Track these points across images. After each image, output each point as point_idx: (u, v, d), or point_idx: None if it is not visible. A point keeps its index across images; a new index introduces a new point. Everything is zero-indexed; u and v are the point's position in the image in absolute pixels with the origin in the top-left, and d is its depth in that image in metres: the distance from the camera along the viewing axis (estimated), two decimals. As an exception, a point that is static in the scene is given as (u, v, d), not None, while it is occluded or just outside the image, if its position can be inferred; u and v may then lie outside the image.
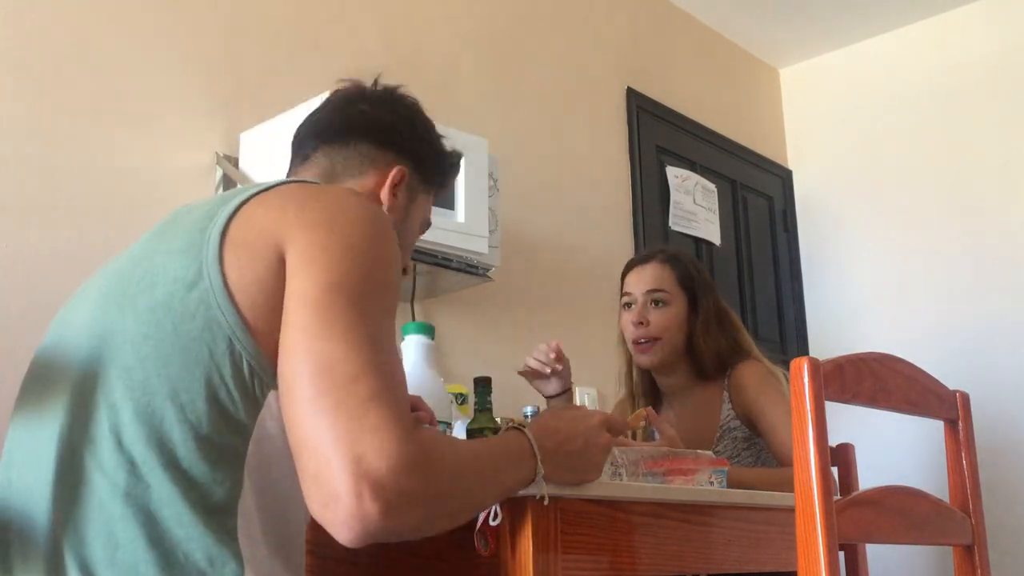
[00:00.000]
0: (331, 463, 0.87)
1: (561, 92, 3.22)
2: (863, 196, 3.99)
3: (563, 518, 1.19)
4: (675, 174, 3.59)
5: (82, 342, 1.05)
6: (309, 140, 1.30)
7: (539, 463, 1.07)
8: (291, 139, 1.34)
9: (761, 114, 4.23)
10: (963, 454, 1.53)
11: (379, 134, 1.28)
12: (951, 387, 1.54)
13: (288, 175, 1.31)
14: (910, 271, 3.80)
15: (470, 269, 2.33)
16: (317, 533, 1.42)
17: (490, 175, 2.36)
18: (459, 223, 2.22)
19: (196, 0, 2.24)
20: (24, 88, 1.92)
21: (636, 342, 2.11)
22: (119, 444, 0.96)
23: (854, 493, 1.34)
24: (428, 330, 1.71)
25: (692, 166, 3.71)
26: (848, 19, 3.96)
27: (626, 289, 2.18)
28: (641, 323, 2.10)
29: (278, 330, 0.98)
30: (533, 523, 1.14)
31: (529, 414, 2.02)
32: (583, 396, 3.00)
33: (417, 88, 1.39)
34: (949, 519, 1.48)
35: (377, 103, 1.31)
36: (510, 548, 1.15)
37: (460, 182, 2.24)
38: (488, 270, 2.38)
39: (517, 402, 2.18)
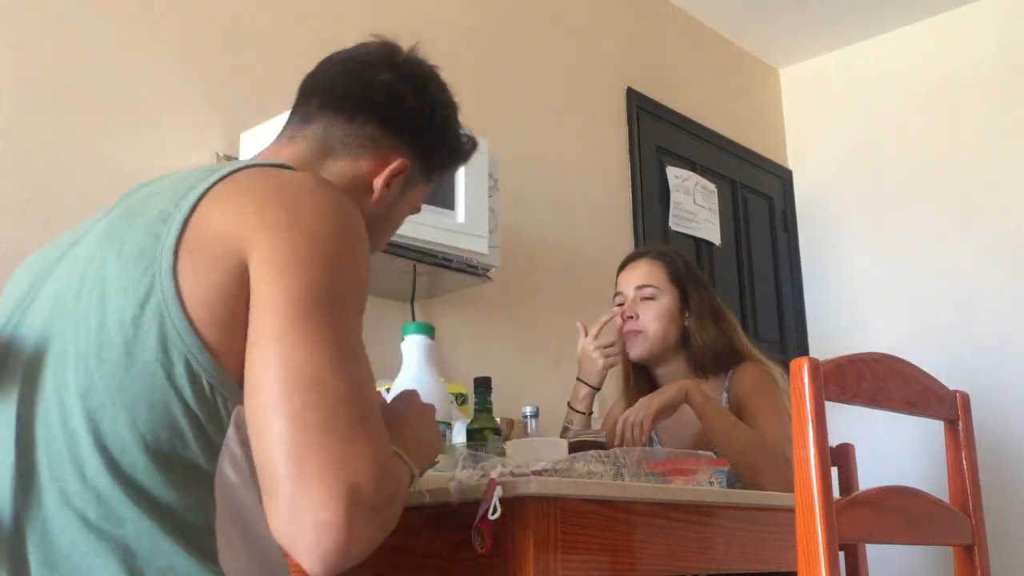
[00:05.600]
0: (321, 487, 0.83)
1: (561, 92, 3.21)
2: (863, 196, 3.99)
3: (563, 518, 1.18)
4: (675, 174, 3.58)
5: (36, 351, 0.98)
6: (315, 98, 1.18)
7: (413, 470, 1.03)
8: (300, 84, 1.22)
9: (761, 114, 4.23)
10: (963, 454, 1.53)
11: (392, 117, 1.17)
12: (951, 387, 1.54)
13: (283, 131, 1.20)
14: (910, 271, 3.80)
15: (470, 269, 2.32)
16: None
17: (490, 175, 2.35)
18: (459, 223, 2.22)
19: (196, 1, 2.24)
20: (24, 88, 1.92)
21: (624, 333, 2.14)
22: (83, 477, 0.90)
23: (854, 493, 1.34)
24: (428, 330, 1.71)
25: (692, 166, 3.71)
26: (848, 19, 3.96)
27: (618, 288, 2.21)
28: (631, 317, 2.13)
29: (240, 343, 0.91)
30: (533, 523, 1.14)
31: (529, 414, 2.01)
32: (583, 396, 3.00)
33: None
34: (949, 519, 1.48)
35: (402, 79, 1.18)
36: (510, 547, 1.15)
37: (460, 182, 2.24)
38: (488, 270, 2.38)
39: (517, 402, 2.18)
